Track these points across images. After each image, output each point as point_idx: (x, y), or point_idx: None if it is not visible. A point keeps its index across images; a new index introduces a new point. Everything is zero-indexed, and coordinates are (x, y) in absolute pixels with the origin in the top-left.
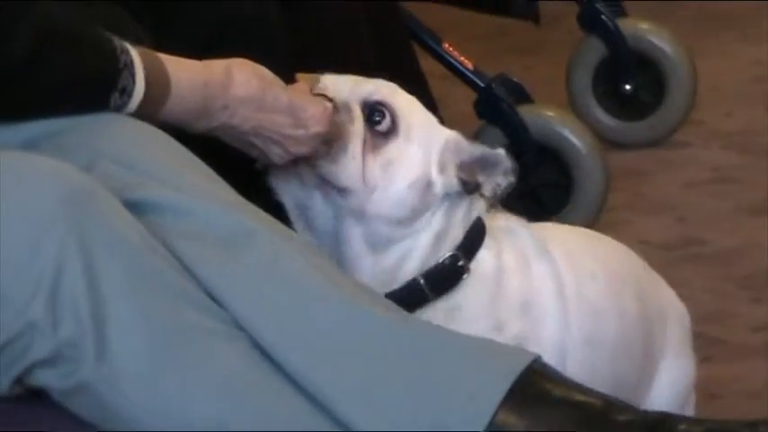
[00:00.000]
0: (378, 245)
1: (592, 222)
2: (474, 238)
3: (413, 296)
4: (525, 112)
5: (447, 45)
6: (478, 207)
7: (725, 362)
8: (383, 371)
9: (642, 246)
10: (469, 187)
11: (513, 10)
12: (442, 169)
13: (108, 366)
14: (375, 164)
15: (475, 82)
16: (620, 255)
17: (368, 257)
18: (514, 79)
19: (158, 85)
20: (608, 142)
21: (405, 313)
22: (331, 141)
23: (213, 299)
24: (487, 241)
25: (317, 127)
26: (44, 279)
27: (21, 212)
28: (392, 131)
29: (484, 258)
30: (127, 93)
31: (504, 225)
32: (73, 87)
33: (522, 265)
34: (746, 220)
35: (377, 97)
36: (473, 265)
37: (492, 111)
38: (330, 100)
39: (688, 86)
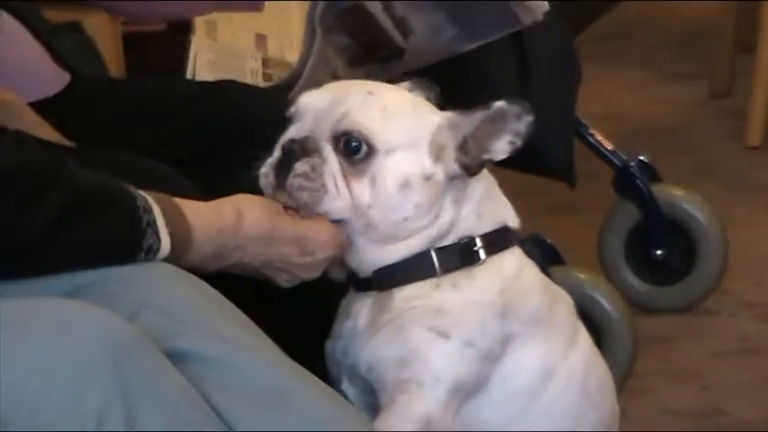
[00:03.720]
0: (387, 242)
1: (618, 388)
2: (500, 237)
3: (420, 268)
4: (558, 273)
5: None
6: (505, 215)
7: None
8: None
9: (665, 414)
10: (471, 170)
11: (552, 171)
12: (438, 156)
13: None
14: (363, 186)
15: None
16: None
17: (376, 252)
18: (548, 240)
19: (181, 239)
20: (637, 306)
21: None
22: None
23: None
24: (517, 251)
25: (324, 252)
26: (86, 426)
27: (67, 359)
28: (371, 153)
29: (508, 259)
30: (152, 251)
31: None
32: (98, 252)
33: (546, 287)
34: None
35: (344, 127)
36: (494, 260)
37: None
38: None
39: (719, 255)
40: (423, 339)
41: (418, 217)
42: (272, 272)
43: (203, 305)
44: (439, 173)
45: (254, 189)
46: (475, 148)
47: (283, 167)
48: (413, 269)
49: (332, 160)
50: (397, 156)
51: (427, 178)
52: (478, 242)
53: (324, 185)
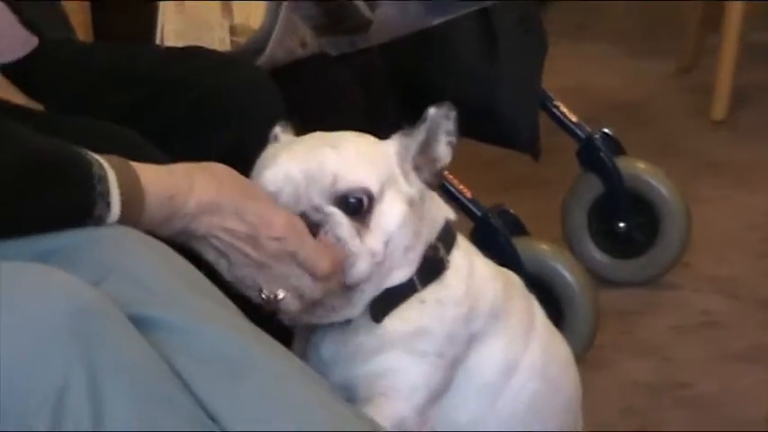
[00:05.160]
0: (389, 273)
1: (578, 359)
2: (448, 234)
3: (405, 290)
4: (520, 244)
5: (446, 173)
6: (444, 210)
7: None
8: None
9: (627, 386)
10: (432, 184)
11: (517, 143)
12: (407, 180)
13: None
14: (374, 237)
15: (472, 211)
16: None
17: (376, 287)
18: (511, 211)
19: (133, 206)
20: (599, 279)
21: None
22: (336, 259)
23: (212, 419)
24: (459, 241)
25: (273, 231)
26: (49, 394)
27: (30, 325)
28: (372, 202)
29: (457, 255)
30: (102, 219)
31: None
32: (46, 218)
33: (497, 274)
34: (731, 366)
35: (342, 189)
36: (450, 261)
37: (488, 241)
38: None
39: (682, 229)
40: (401, 360)
41: (415, 242)
42: (225, 247)
43: (170, 272)
44: (415, 195)
45: (220, 157)
46: (425, 161)
47: None
48: (399, 292)
49: (345, 221)
50: (388, 195)
51: (411, 204)
52: (440, 247)
53: (351, 251)
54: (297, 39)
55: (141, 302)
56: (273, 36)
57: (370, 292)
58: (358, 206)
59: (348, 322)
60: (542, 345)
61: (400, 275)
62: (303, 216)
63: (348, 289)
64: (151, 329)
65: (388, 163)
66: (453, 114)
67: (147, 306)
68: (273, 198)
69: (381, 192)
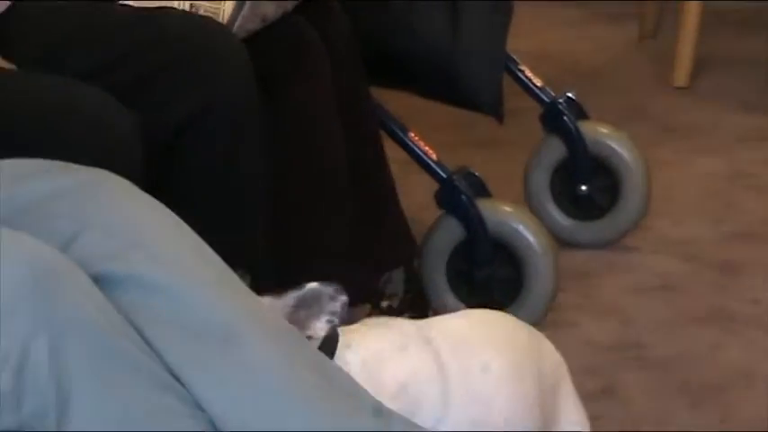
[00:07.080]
0: None
1: (538, 320)
2: (326, 348)
3: None
4: (483, 206)
5: (413, 135)
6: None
7: None
8: None
9: (587, 346)
10: None
11: (481, 106)
12: None
13: None
14: None
15: (437, 173)
16: (520, 336)
17: None
18: (476, 173)
19: None
20: (560, 241)
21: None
22: None
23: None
24: (347, 340)
25: None
26: (11, 355)
27: None
28: None
29: (344, 357)
30: None
31: (379, 321)
32: None
33: (397, 350)
34: (687, 328)
35: None
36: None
37: (452, 203)
38: None
39: (642, 192)
40: None
41: None
42: None
43: (151, 225)
44: None
45: (187, 119)
46: (296, 324)
47: None
48: None
49: None
50: None
51: None
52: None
53: None
54: (258, 19)
55: (116, 257)
56: (235, 27)
57: None
58: None
59: None
60: None
61: None
62: None
63: None
64: (123, 287)
65: None
66: (343, 299)
67: (121, 261)
68: None
69: None
